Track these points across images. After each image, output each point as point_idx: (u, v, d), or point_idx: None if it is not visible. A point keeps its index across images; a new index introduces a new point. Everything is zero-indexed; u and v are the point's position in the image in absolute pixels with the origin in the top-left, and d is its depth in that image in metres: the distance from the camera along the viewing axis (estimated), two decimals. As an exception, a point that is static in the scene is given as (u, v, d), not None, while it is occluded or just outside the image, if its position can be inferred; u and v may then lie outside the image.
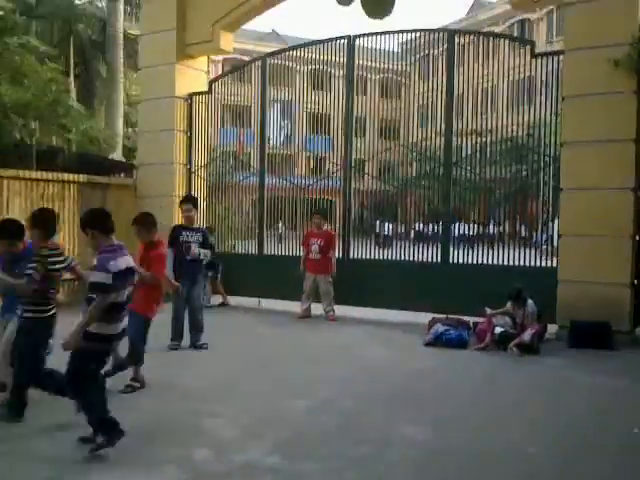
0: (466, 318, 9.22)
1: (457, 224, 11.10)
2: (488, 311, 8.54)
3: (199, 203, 12.46)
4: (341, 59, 11.10)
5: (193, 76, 12.65)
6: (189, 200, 8.36)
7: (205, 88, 12.66)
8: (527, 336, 7.97)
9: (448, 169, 10.24)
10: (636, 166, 8.48)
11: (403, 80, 12.21)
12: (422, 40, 12.57)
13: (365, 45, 10.96)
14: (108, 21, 19.58)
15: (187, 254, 7.85)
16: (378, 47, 10.83)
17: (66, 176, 11.39)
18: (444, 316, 9.43)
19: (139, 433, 4.85)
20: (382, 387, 6.44)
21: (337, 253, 10.95)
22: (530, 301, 8.26)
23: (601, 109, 8.53)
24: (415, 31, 10.72)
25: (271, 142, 12.85)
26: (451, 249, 10.17)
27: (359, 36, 10.93)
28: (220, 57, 22.45)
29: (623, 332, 8.44)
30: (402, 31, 10.74)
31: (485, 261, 9.86)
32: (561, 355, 8.00)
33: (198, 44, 12.34)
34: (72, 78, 24.73)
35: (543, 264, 9.41)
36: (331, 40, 11.34)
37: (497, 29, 38.00)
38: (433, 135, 10.77)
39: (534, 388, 6.50)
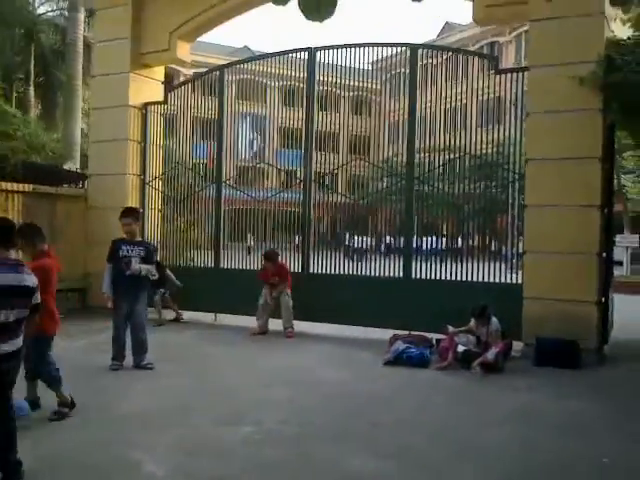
0: (430, 335, 8.85)
1: (425, 238, 10.69)
2: (450, 329, 8.16)
3: (153, 215, 12.05)
4: (303, 73, 10.76)
5: (149, 86, 12.17)
6: (129, 213, 7.79)
7: (162, 98, 12.17)
8: (491, 355, 7.57)
9: (410, 184, 9.91)
10: (602, 184, 8.22)
11: (374, 98, 11.77)
12: (393, 59, 12.30)
13: (329, 60, 10.56)
14: (68, 29, 18.94)
15: (127, 269, 7.33)
16: (344, 63, 10.44)
17: (9, 185, 10.73)
18: (406, 333, 9.03)
19: (52, 466, 4.32)
20: (334, 413, 5.96)
21: (296, 267, 10.57)
22: (494, 319, 7.89)
23: (566, 126, 8.29)
24: (378, 45, 10.29)
25: (240, 155, 12.43)
26: (414, 264, 9.77)
27: (320, 49, 10.54)
28: (190, 70, 21.85)
29: (590, 350, 8.11)
30: (365, 44, 10.31)
31: (449, 277, 9.48)
32: (526, 374, 7.63)
33: (154, 53, 11.90)
34: (32, 87, 24.17)
35: (508, 280, 9.04)
36: (292, 51, 10.94)
37: (467, 51, 38.01)
38: (401, 152, 10.41)
39: (497, 414, 6.06)
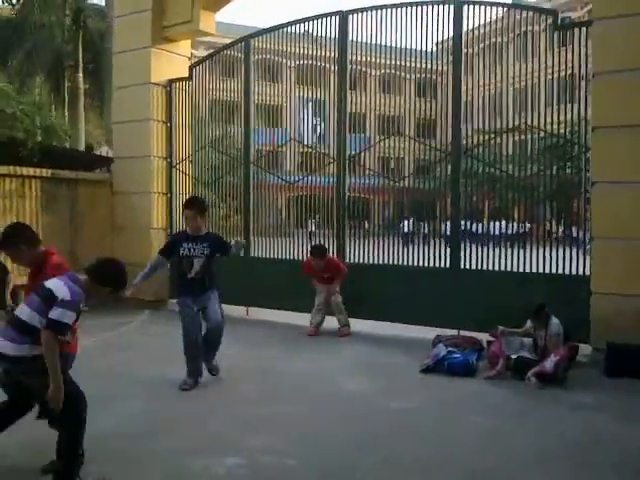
0: (480, 336, 7.59)
1: (493, 223, 9.33)
2: (500, 329, 6.88)
3: (180, 201, 11.13)
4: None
5: (173, 61, 11.19)
6: (192, 205, 6.39)
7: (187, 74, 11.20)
8: (549, 364, 6.26)
9: (457, 162, 8.55)
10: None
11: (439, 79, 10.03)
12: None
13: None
14: (107, 10, 18.31)
15: (188, 272, 6.21)
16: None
17: (24, 170, 10.02)
18: (450, 334, 7.80)
19: None
20: (345, 442, 4.81)
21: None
22: (555, 320, 6.57)
23: (637, 87, 6.82)
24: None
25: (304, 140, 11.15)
26: (462, 252, 8.45)
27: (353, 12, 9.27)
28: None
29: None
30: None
31: (505, 267, 8.12)
32: (594, 388, 6.28)
33: (177, 25, 10.89)
34: (81, 74, 23.81)
35: (574, 271, 7.61)
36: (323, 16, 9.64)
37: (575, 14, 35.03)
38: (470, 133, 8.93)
39: (556, 443, 4.79)
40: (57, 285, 3.73)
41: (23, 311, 3.77)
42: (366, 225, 10.93)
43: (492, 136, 8.70)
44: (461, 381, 6.47)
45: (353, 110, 9.76)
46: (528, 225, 9.51)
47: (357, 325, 9.04)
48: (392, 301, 8.73)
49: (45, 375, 3.59)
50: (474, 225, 9.13)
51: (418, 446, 4.72)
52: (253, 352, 7.79)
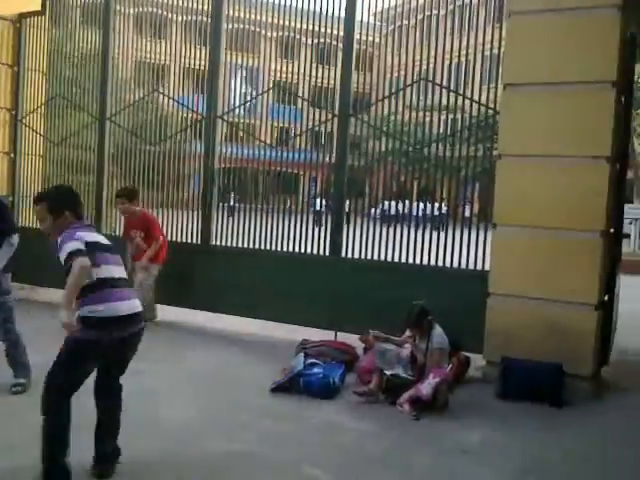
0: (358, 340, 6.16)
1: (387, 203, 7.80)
2: (372, 334, 5.49)
3: (28, 162, 9.33)
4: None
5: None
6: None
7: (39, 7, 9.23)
8: (427, 388, 4.85)
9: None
10: (614, 124, 5.41)
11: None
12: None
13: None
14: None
15: None
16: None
17: None
18: (320, 339, 6.35)
19: None
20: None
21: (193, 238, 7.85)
22: (438, 330, 5.18)
23: (564, 32, 5.50)
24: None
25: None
26: (345, 237, 6.97)
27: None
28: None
29: (582, 377, 5.41)
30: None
31: (390, 257, 6.71)
32: (483, 415, 4.96)
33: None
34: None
35: (470, 265, 6.26)
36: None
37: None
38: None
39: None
40: None
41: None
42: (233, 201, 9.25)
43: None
44: (316, 406, 5.01)
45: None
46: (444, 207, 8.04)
47: (216, 321, 7.52)
48: (257, 294, 7.21)
49: None
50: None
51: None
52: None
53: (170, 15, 8.60)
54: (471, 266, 6.21)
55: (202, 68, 7.99)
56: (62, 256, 3.32)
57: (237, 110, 8.11)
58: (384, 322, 5.71)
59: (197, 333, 7.37)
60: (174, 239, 7.89)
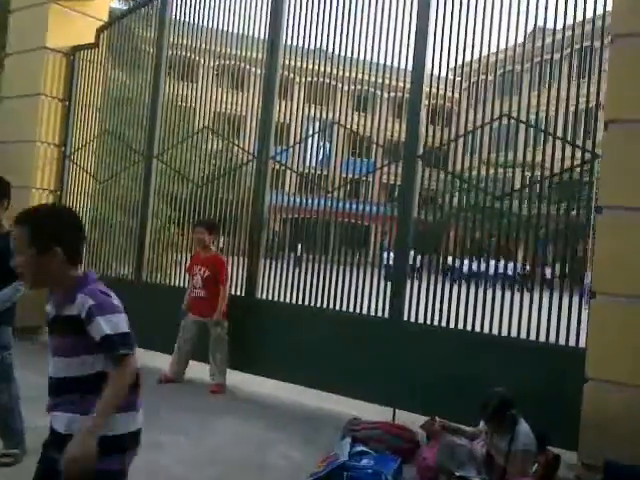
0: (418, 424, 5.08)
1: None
2: (438, 422, 4.45)
3: (73, 199, 8.84)
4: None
5: (81, 24, 8.82)
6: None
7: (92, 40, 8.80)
8: (507, 502, 3.78)
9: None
10: None
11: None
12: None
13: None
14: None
15: None
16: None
17: None
18: (371, 421, 5.31)
19: None
20: None
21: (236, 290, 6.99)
22: (524, 427, 4.09)
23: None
24: None
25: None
26: (407, 298, 5.95)
27: None
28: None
29: None
30: None
31: (465, 325, 5.64)
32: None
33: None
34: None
35: (562, 341, 5.12)
36: None
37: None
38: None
39: None
40: None
41: None
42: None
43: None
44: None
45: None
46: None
47: (254, 385, 6.60)
48: (302, 358, 6.26)
49: None
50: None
51: None
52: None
53: (249, 67, 8.07)
54: (561, 341, 5.10)
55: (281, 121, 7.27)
56: (108, 331, 2.19)
57: (308, 162, 7.29)
58: (450, 405, 4.67)
59: (228, 398, 6.43)
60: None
